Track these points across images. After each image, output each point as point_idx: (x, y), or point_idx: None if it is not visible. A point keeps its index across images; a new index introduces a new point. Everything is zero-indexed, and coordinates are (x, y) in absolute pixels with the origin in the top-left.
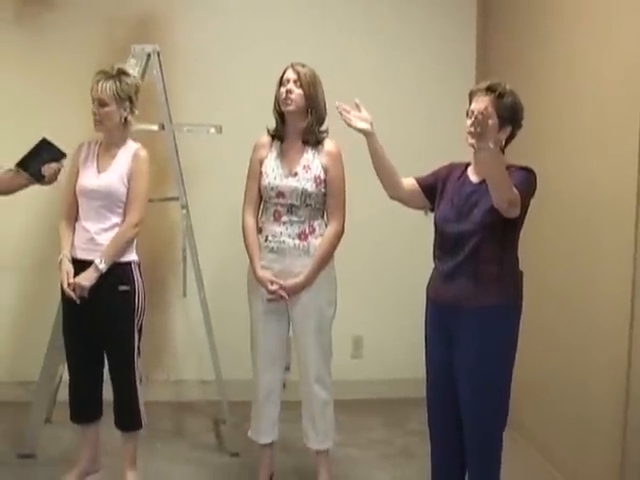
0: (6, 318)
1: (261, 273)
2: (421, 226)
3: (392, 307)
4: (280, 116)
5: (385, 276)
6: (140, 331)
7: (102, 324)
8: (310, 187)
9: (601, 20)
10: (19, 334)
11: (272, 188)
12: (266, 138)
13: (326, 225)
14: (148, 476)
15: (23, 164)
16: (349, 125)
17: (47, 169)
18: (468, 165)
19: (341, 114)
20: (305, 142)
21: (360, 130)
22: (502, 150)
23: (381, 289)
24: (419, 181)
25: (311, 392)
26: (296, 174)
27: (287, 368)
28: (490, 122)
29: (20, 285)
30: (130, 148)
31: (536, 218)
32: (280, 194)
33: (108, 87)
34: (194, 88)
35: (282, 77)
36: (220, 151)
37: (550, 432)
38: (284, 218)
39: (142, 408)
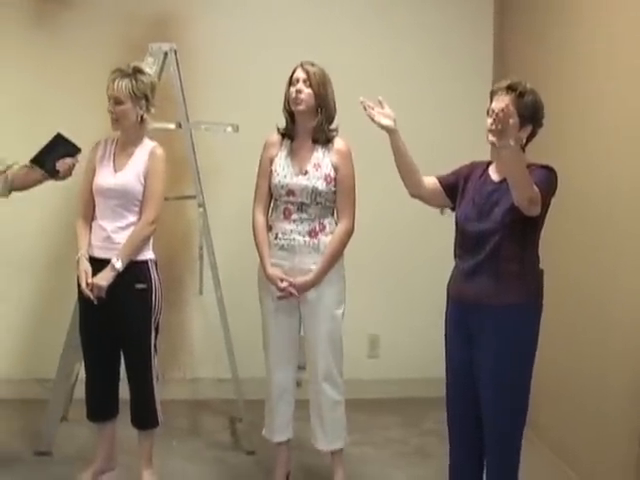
0: (23, 316)
1: (271, 271)
2: (437, 224)
3: (408, 306)
4: (290, 115)
5: (401, 276)
6: (157, 329)
7: (119, 322)
8: (320, 185)
9: (622, 18)
10: (36, 332)
11: (282, 186)
12: (276, 137)
13: (336, 223)
14: (164, 474)
15: (38, 160)
16: (373, 121)
17: (62, 164)
18: (489, 164)
19: (365, 109)
20: (315, 141)
21: (383, 127)
22: (523, 149)
23: (397, 289)
24: (440, 180)
25: (319, 391)
26: (306, 172)
27: (301, 367)
28: (511, 121)
29: (37, 283)
30: (147, 146)
31: (557, 216)
32: (290, 192)
33: (124, 85)
34: (211, 86)
35: (292, 76)
36: (237, 150)
37: (565, 431)
38: (294, 216)
39: (159, 406)
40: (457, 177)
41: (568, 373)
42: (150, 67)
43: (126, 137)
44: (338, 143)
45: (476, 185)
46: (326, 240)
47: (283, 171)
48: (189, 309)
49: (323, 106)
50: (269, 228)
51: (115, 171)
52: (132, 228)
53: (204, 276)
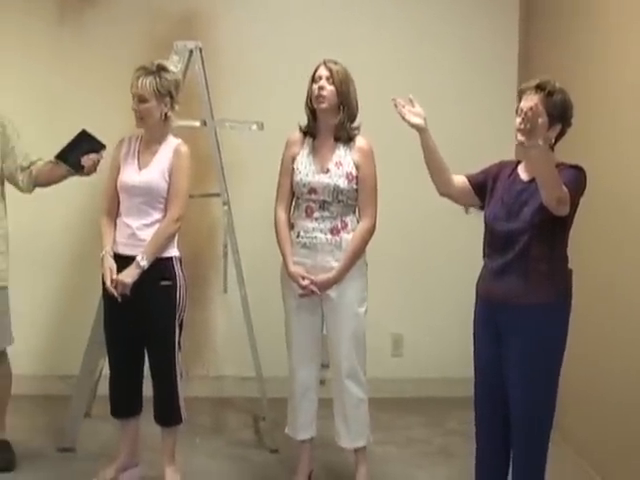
0: (47, 313)
1: (293, 269)
2: (462, 223)
3: (433, 306)
4: (312, 113)
5: (426, 275)
6: (181, 326)
7: (144, 319)
8: (342, 183)
9: None
10: (60, 328)
11: (304, 184)
12: (298, 135)
13: (358, 221)
14: (187, 471)
15: (62, 155)
16: (403, 119)
17: (86, 160)
18: (519, 163)
19: (396, 107)
20: (337, 139)
21: (413, 125)
22: (552, 148)
23: (422, 288)
24: (470, 178)
25: (343, 389)
26: (328, 170)
27: (325, 365)
28: (540, 120)
29: (61, 280)
30: (171, 144)
31: (586, 216)
32: (312, 190)
33: (148, 83)
34: (236, 84)
35: (314, 74)
36: (261, 148)
37: (591, 433)
38: (316, 214)
39: (182, 403)
40: (486, 176)
41: (596, 374)
42: (175, 65)
43: (150, 135)
44: (360, 141)
45: (505, 184)
46: (348, 238)
47: (305, 169)
48: (213, 307)
49: (345, 104)
50: (291, 226)
51: (140, 169)
52: (157, 225)
53: (228, 274)
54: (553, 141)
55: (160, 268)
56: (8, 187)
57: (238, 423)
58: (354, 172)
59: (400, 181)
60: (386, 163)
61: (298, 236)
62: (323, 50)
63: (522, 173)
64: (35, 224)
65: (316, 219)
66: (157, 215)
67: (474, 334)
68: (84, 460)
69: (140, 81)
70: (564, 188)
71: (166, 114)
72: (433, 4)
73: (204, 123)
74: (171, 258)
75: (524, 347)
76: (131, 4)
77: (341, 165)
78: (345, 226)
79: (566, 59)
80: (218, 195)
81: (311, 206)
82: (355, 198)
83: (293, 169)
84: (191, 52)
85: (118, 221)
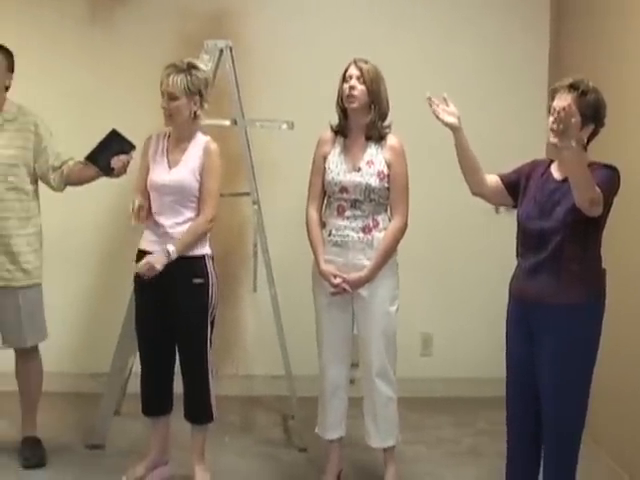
0: (77, 310)
1: (325, 267)
2: (493, 223)
3: (463, 305)
4: (343, 112)
5: (455, 274)
6: (213, 324)
7: (176, 317)
8: (374, 182)
9: None
10: (90, 326)
11: (336, 183)
12: (329, 134)
13: (389, 220)
14: (216, 470)
15: (92, 156)
16: (437, 118)
17: (116, 161)
18: (552, 162)
19: (430, 106)
20: (368, 138)
21: (447, 124)
22: (585, 148)
23: (451, 287)
24: (502, 178)
25: (373, 387)
26: (359, 169)
27: (354, 364)
28: (573, 120)
29: (91, 277)
30: (200, 141)
31: (620, 216)
32: (344, 189)
33: (179, 81)
34: (267, 84)
35: (345, 73)
36: (292, 147)
37: (623, 435)
38: (348, 213)
39: (213, 401)
40: (519, 175)
41: (627, 375)
42: (205, 64)
43: (179, 133)
44: (391, 140)
45: (538, 183)
46: (379, 236)
47: (336, 168)
48: (243, 305)
49: (376, 103)
50: (323, 225)
51: (169, 167)
52: (188, 223)
53: (258, 273)
54: (585, 141)
55: (193, 266)
56: (41, 186)
57: (267, 422)
58: (386, 171)
59: (429, 180)
60: (413, 162)
61: (330, 234)
62: (353, 49)
63: (555, 172)
64: (66, 222)
65: (348, 218)
66: (189, 213)
67: (507, 333)
68: (114, 457)
69: (170, 78)
70: (597, 189)
71: (195, 112)
72: (463, 4)
73: (234, 122)
74: (203, 256)
75: (556, 347)
76: (162, 3)
77: (373, 164)
78: (377, 224)
79: (599, 59)
80: (248, 194)
81: (343, 205)
82: (387, 197)
83: (324, 168)
84: (221, 51)
85: (150, 220)
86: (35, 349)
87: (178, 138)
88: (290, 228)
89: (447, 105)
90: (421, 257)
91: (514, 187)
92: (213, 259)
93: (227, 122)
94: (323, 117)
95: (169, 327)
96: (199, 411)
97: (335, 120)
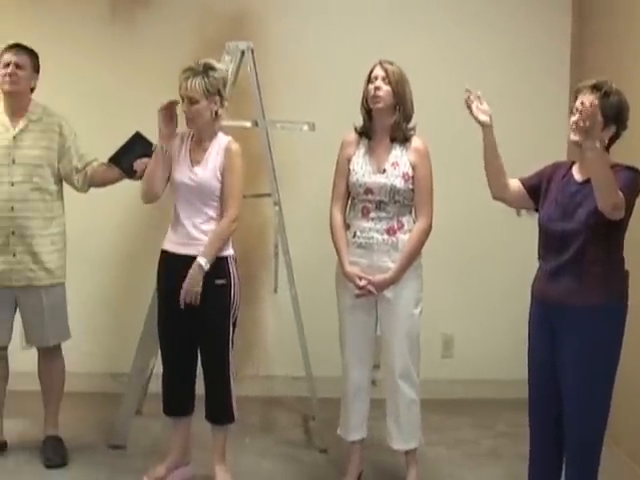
0: (99, 311)
1: (349, 269)
2: (514, 225)
3: (483, 307)
4: (368, 113)
5: (476, 276)
6: (235, 325)
7: (198, 318)
8: (399, 183)
9: None
10: (111, 327)
11: (360, 185)
12: (353, 135)
13: (414, 221)
14: (237, 471)
15: (115, 159)
16: (470, 113)
17: (139, 164)
18: (573, 164)
19: (466, 101)
20: (393, 139)
21: (480, 122)
22: (606, 149)
23: (472, 289)
24: (523, 182)
25: (396, 389)
26: (384, 171)
27: (376, 366)
28: (596, 118)
29: (113, 278)
30: (222, 141)
31: None
32: (369, 191)
33: (197, 83)
34: (288, 85)
35: (370, 74)
36: (313, 148)
37: None
38: (372, 214)
39: (235, 402)
40: (540, 178)
41: None
42: (227, 65)
43: (201, 133)
44: (416, 141)
45: (559, 185)
46: (404, 238)
47: (361, 170)
48: (264, 306)
49: (401, 104)
50: (347, 226)
51: (192, 166)
52: (211, 222)
53: (279, 274)
54: (607, 142)
55: (215, 267)
56: (64, 186)
57: (288, 423)
58: (410, 172)
59: (449, 181)
60: (438, 164)
61: (354, 236)
62: (374, 51)
63: (576, 174)
64: (89, 222)
65: (372, 219)
66: (211, 212)
67: (529, 335)
68: (135, 457)
69: (189, 82)
70: (620, 194)
71: (216, 112)
72: (484, 6)
73: (256, 124)
74: (226, 257)
75: (579, 348)
76: (183, 4)
77: (397, 165)
78: (401, 226)
79: (622, 60)
80: (269, 195)
81: (367, 206)
82: (411, 198)
83: (349, 170)
84: (243, 53)
85: (173, 217)
86: (58, 348)
87: (200, 138)
88: (311, 229)
89: (481, 103)
90: (442, 258)
91: (535, 190)
92: (236, 260)
93: (248, 123)
94: (344, 118)
95: (192, 328)
96: (220, 412)
97: (357, 122)
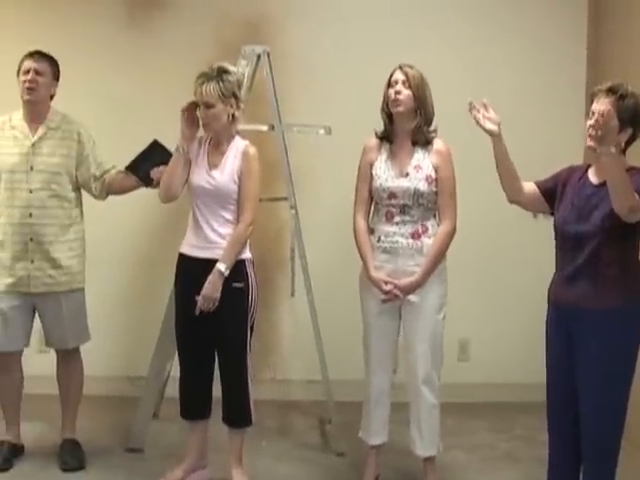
0: (115, 314)
1: (375, 274)
2: (531, 229)
3: (500, 310)
4: (388, 117)
5: (493, 280)
6: (252, 328)
7: (216, 321)
8: (422, 186)
9: None
10: (128, 330)
11: (384, 189)
12: (374, 140)
13: (438, 225)
14: (253, 474)
15: (133, 167)
16: (477, 124)
17: (155, 173)
18: (589, 167)
19: (471, 111)
20: (415, 142)
21: (487, 131)
22: (623, 152)
23: (489, 292)
24: (539, 185)
25: (418, 394)
26: (407, 174)
27: (394, 370)
28: (611, 124)
29: (129, 281)
30: (239, 145)
31: None
32: (392, 195)
33: (212, 88)
34: (304, 89)
35: (390, 78)
36: (329, 152)
37: None
38: (397, 218)
39: (252, 406)
40: (556, 181)
41: None
42: (243, 69)
43: (218, 136)
44: (438, 144)
45: (575, 188)
46: (429, 242)
47: (384, 174)
48: (280, 310)
49: (422, 107)
50: (371, 231)
51: (210, 170)
52: (228, 225)
53: (296, 278)
54: (623, 145)
55: (233, 270)
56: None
57: (304, 426)
58: (433, 175)
59: (465, 185)
60: (463, 166)
61: (379, 240)
62: (390, 54)
63: (592, 177)
64: (105, 226)
65: (396, 223)
66: (228, 216)
67: (547, 338)
68: (152, 460)
69: (204, 87)
70: (636, 196)
71: (233, 115)
72: (499, 7)
73: (272, 127)
74: (243, 260)
75: (596, 352)
76: (200, 8)
77: (420, 168)
78: (426, 230)
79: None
80: (285, 199)
81: (391, 211)
82: (435, 201)
83: (371, 175)
84: (259, 57)
85: (191, 221)
86: (76, 351)
87: (218, 142)
88: (327, 232)
89: (487, 111)
90: (458, 262)
91: (551, 194)
92: (253, 263)
93: (264, 127)
94: (360, 122)
95: (209, 331)
96: (238, 415)
97: (373, 125)
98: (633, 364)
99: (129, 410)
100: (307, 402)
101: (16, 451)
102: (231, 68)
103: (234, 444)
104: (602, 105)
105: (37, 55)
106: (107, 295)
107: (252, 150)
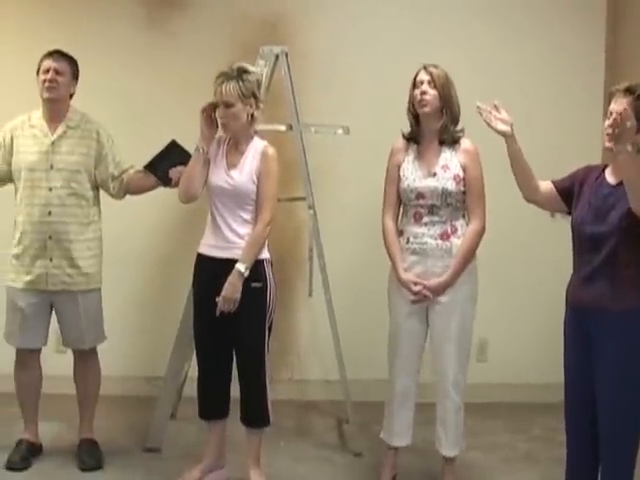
0: (133, 314)
1: (404, 276)
2: (550, 230)
3: (518, 311)
4: (415, 118)
5: (512, 280)
6: (270, 328)
7: (234, 321)
8: (450, 186)
9: None
10: (146, 330)
11: (412, 190)
12: (401, 142)
13: (467, 225)
14: (271, 474)
15: (151, 166)
16: (489, 126)
17: (174, 173)
18: (606, 167)
19: (481, 114)
20: (442, 142)
21: (499, 132)
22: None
23: (508, 293)
24: (556, 184)
25: (447, 395)
26: (435, 174)
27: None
28: (628, 124)
29: (147, 281)
30: (258, 145)
31: None
32: (420, 195)
33: (232, 87)
34: (322, 89)
35: (415, 79)
36: (347, 152)
37: None
38: (425, 219)
39: (270, 406)
40: (573, 181)
41: None
42: (261, 69)
43: (237, 136)
44: (465, 143)
45: (592, 188)
46: (458, 243)
47: (412, 175)
48: (298, 310)
49: (448, 107)
50: (399, 233)
51: (228, 170)
52: (247, 225)
53: (314, 278)
54: None
55: (251, 270)
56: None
57: (322, 426)
58: (461, 174)
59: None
60: (490, 166)
61: (408, 242)
62: (408, 54)
63: (609, 177)
64: (122, 224)
65: (425, 224)
66: (246, 216)
67: (565, 339)
68: (169, 460)
69: (224, 87)
70: None
71: (252, 114)
72: (518, 9)
73: (290, 127)
74: (262, 260)
75: (614, 352)
76: (218, 9)
77: (448, 168)
78: (455, 231)
79: None
80: (304, 199)
81: (420, 211)
82: (463, 200)
83: (399, 176)
84: (277, 57)
85: (209, 221)
86: (93, 351)
87: (237, 142)
88: (346, 232)
89: (499, 112)
90: (478, 262)
91: (568, 193)
92: (272, 264)
93: (283, 127)
94: (378, 122)
95: (227, 331)
96: (256, 415)
97: (392, 125)
98: None
99: (147, 410)
100: (325, 402)
101: (34, 450)
102: (251, 68)
103: (252, 444)
104: (619, 105)
105: (57, 54)
106: (124, 295)
107: (271, 150)
